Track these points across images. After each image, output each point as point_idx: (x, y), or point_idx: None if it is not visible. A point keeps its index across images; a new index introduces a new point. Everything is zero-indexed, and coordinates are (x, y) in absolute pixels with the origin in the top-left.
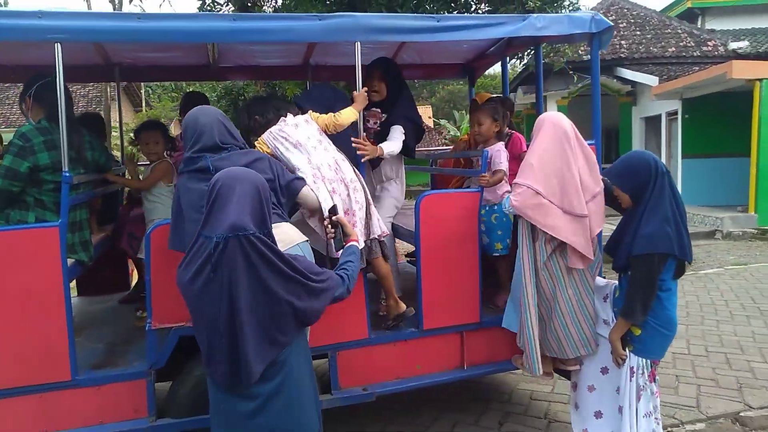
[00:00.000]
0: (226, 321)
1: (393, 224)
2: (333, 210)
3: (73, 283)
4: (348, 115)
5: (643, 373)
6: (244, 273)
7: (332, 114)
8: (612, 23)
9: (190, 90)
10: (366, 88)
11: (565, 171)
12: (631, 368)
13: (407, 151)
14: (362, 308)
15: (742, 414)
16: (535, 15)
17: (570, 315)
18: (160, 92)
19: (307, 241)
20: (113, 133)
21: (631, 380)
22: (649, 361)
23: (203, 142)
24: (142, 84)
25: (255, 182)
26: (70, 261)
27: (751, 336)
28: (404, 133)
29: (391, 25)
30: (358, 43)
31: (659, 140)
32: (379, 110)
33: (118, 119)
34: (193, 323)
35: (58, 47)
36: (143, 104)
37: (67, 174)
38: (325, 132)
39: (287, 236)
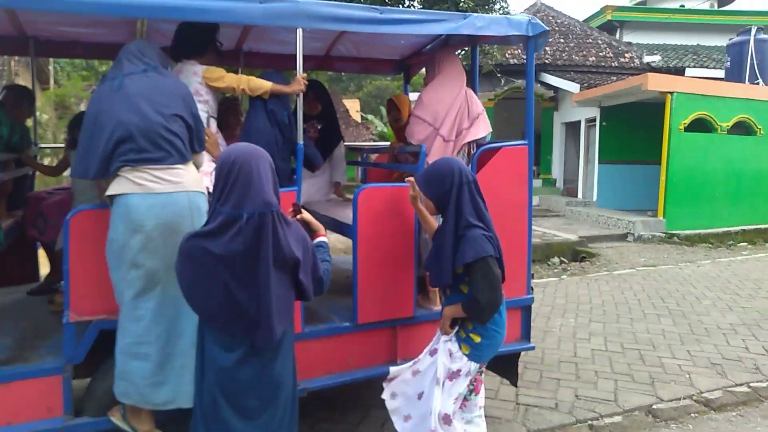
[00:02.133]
0: (253, 291)
1: (329, 217)
2: (296, 207)
3: None
4: (263, 83)
5: (468, 375)
6: (270, 246)
7: (249, 77)
8: (547, 28)
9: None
10: (305, 76)
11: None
12: (458, 371)
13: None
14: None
15: (654, 407)
16: (475, 15)
17: None
18: (70, 70)
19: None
20: None
21: (440, 385)
22: (476, 366)
23: None
24: (50, 60)
25: (267, 158)
26: None
27: (662, 333)
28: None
29: (334, 13)
30: (300, 30)
31: (578, 145)
32: (315, 121)
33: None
34: (200, 291)
35: None
36: (50, 82)
37: None
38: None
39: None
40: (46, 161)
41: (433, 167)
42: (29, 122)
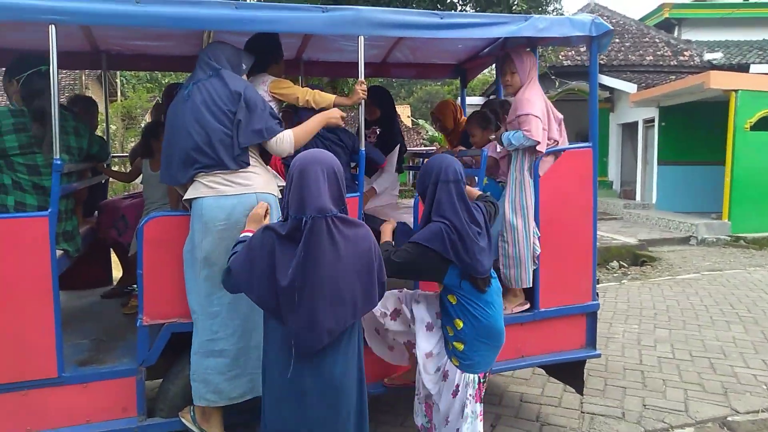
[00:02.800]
0: (304, 293)
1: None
2: None
3: None
4: (327, 96)
5: (467, 386)
6: (327, 250)
7: (315, 90)
8: (611, 27)
9: (169, 81)
10: (364, 85)
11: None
12: (457, 385)
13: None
14: None
15: (729, 419)
16: (537, 16)
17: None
18: (135, 82)
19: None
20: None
21: (455, 398)
22: (476, 378)
23: None
24: (117, 73)
25: (330, 164)
26: (58, 252)
27: (732, 341)
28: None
29: (394, 20)
30: (362, 38)
31: (635, 146)
32: (376, 127)
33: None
34: (262, 280)
35: (52, 29)
36: (118, 94)
37: (59, 161)
38: (304, 106)
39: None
40: (115, 169)
41: (426, 163)
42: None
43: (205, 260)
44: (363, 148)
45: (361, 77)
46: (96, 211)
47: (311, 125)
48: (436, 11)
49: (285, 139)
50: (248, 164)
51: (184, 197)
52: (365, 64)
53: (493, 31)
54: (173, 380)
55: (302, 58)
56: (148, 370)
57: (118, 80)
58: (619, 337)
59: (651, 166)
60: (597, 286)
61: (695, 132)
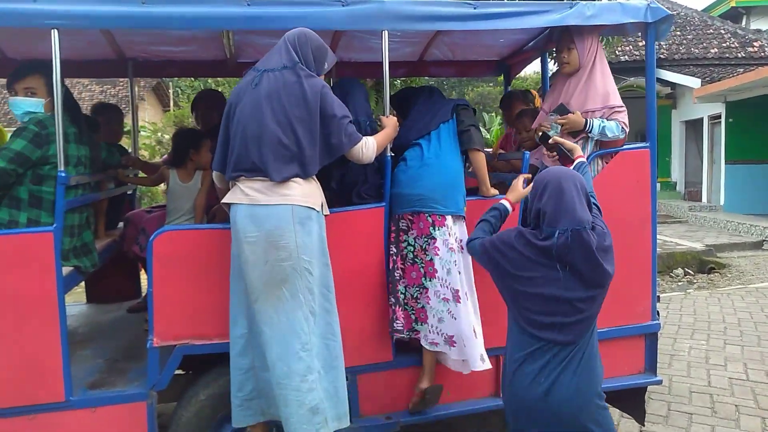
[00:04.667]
0: (566, 297)
1: None
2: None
3: (82, 290)
4: (385, 138)
5: None
6: (583, 261)
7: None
8: (670, 12)
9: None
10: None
11: None
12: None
13: None
14: (385, 326)
15: None
16: (583, 2)
17: None
18: (190, 92)
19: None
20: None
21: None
22: None
23: None
24: (171, 84)
25: (575, 179)
26: (68, 268)
27: None
28: None
29: (421, 12)
30: (386, 32)
31: (701, 145)
32: None
33: (137, 118)
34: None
35: (54, 34)
36: (171, 103)
37: (63, 173)
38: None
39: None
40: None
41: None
42: (128, 141)
43: (239, 273)
44: (389, 154)
45: (386, 76)
46: (122, 223)
47: (385, 137)
48: (469, 1)
49: (370, 146)
50: (292, 177)
51: (223, 201)
52: (401, 63)
53: (534, 20)
54: (186, 405)
55: None
56: (161, 393)
57: (171, 90)
58: (685, 355)
59: (718, 166)
60: (660, 296)
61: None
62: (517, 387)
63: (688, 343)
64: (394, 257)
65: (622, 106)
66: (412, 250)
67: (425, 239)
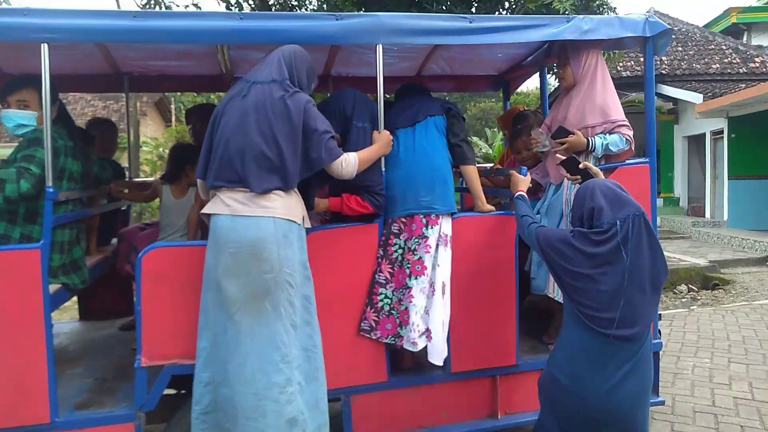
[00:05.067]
0: (628, 284)
1: None
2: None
3: (75, 307)
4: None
5: None
6: (648, 247)
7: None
8: (669, 26)
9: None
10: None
11: None
12: None
13: None
14: (380, 346)
15: None
16: (581, 16)
17: None
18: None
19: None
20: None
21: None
22: None
23: None
24: (173, 99)
25: (616, 182)
26: (55, 286)
27: None
28: None
29: (416, 25)
30: (380, 46)
31: (703, 160)
32: None
33: (138, 133)
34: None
35: (44, 48)
36: (173, 119)
37: (51, 189)
38: None
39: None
40: None
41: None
42: (125, 158)
43: (216, 284)
44: (383, 169)
45: (380, 90)
46: (115, 239)
47: (373, 153)
48: (465, 15)
49: (351, 162)
50: (273, 189)
51: (202, 211)
52: (398, 78)
53: (531, 34)
54: (175, 427)
55: (331, 74)
56: (150, 414)
57: (172, 105)
58: (688, 373)
59: (721, 181)
60: (662, 313)
61: None
62: (578, 388)
63: (692, 361)
64: (380, 260)
65: (624, 120)
66: (401, 252)
67: (416, 240)
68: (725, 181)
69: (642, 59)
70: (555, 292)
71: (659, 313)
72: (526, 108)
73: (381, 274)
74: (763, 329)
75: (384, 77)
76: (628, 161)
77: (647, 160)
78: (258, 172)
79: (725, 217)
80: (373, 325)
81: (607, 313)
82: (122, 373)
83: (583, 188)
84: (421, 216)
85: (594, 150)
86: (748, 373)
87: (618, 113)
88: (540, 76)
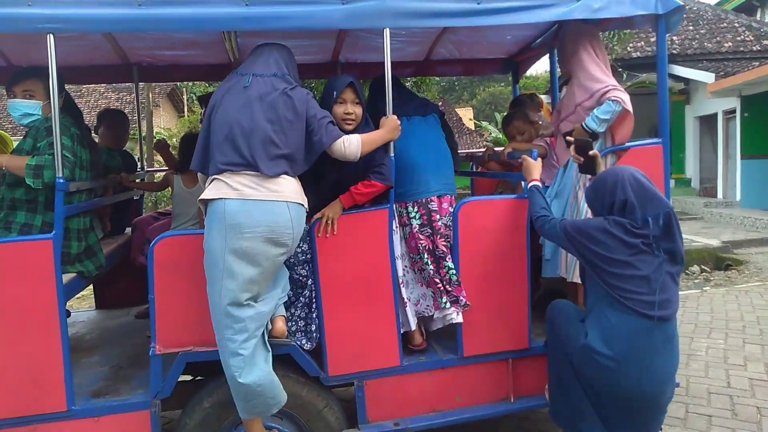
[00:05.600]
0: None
1: None
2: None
3: (91, 295)
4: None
5: None
6: (679, 239)
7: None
8: (682, 3)
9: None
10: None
11: None
12: None
13: None
14: (392, 330)
15: None
16: None
17: None
18: None
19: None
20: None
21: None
22: None
23: None
24: (185, 90)
25: (640, 171)
26: (69, 275)
27: None
28: None
29: (423, 8)
30: (387, 30)
31: (715, 140)
32: None
33: (151, 123)
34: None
35: (50, 39)
36: (185, 110)
37: (61, 179)
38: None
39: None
40: None
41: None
42: (136, 147)
43: (228, 270)
44: (392, 153)
45: (388, 75)
46: (129, 228)
47: (378, 137)
48: None
49: (353, 142)
50: (281, 173)
51: (201, 197)
52: (407, 63)
53: (540, 14)
54: (190, 413)
55: (339, 60)
56: (166, 401)
57: (185, 96)
58: (702, 354)
59: (734, 161)
60: None
61: None
62: (619, 370)
63: (706, 342)
64: (431, 237)
65: (608, 85)
66: (444, 228)
67: (448, 217)
68: (738, 161)
69: (652, 39)
70: (569, 273)
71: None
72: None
73: (438, 248)
74: None
75: (392, 62)
76: (640, 141)
77: (660, 140)
78: (266, 155)
79: (738, 197)
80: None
81: (648, 296)
82: (138, 361)
83: (613, 177)
84: (449, 196)
85: (590, 129)
86: (764, 353)
87: (601, 82)
88: (550, 58)
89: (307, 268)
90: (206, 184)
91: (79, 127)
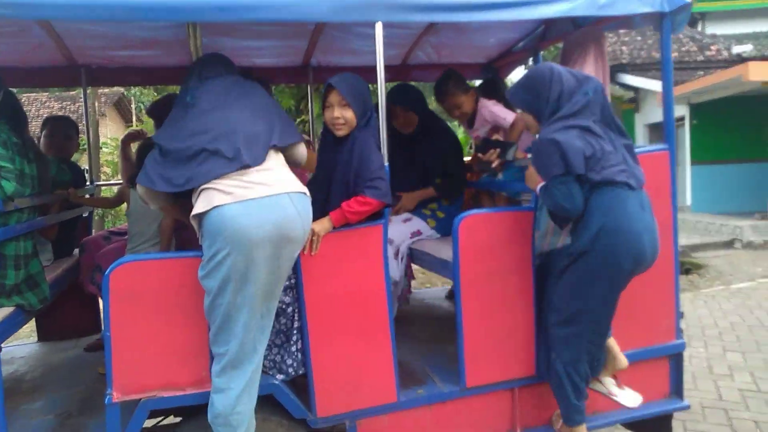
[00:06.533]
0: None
1: (425, 252)
2: None
3: (33, 326)
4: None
5: None
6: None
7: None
8: (688, 0)
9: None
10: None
11: None
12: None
13: None
14: (388, 362)
15: None
16: None
17: None
18: None
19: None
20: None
21: None
22: None
23: None
24: (133, 98)
25: None
26: (8, 310)
27: None
28: None
29: (418, 1)
30: (380, 24)
31: None
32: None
33: (93, 134)
34: None
35: None
36: (133, 119)
37: None
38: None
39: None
40: None
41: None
42: (84, 159)
43: (241, 280)
44: (386, 163)
45: (380, 73)
46: (78, 249)
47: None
48: None
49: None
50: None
51: (193, 213)
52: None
53: (541, 10)
54: None
55: (311, 63)
56: None
57: (133, 105)
58: (686, 365)
59: (683, 167)
60: None
61: (731, 128)
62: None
63: (687, 351)
64: None
65: None
66: None
67: None
68: (688, 167)
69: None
70: None
71: (681, 311)
72: None
73: None
74: (747, 314)
75: (366, 67)
76: (646, 148)
77: (666, 146)
78: (250, 148)
79: (689, 202)
80: None
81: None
82: (90, 405)
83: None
84: None
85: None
86: (746, 362)
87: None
88: (534, 62)
89: (290, 295)
90: (194, 199)
91: (20, 136)
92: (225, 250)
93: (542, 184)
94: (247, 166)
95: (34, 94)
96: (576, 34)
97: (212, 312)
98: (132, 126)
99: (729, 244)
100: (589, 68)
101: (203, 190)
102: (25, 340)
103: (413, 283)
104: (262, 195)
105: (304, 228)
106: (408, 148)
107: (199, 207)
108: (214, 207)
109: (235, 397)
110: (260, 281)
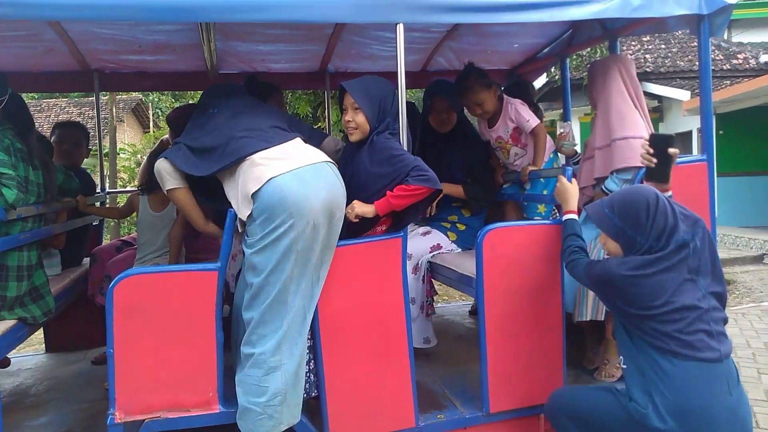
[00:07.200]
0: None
1: (449, 268)
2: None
3: (40, 337)
4: None
5: None
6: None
7: None
8: (729, 2)
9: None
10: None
11: None
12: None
13: None
14: (407, 384)
15: None
16: None
17: None
18: None
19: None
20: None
21: None
22: None
23: None
24: (151, 105)
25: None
26: (9, 323)
27: None
28: None
29: (442, 2)
30: (401, 26)
31: None
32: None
33: (111, 140)
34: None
35: None
36: (150, 125)
37: None
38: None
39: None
40: None
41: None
42: (97, 167)
43: (303, 254)
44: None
45: (401, 75)
46: (88, 258)
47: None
48: None
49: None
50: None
51: (251, 190)
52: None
53: (570, 12)
54: None
55: (328, 69)
56: None
57: (150, 111)
58: None
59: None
60: None
61: (758, 139)
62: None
63: None
64: None
65: (625, 136)
66: None
67: None
68: (714, 179)
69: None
70: (582, 312)
71: None
72: None
73: None
74: None
75: (386, 73)
76: (683, 159)
77: (705, 157)
78: (278, 134)
79: (715, 215)
80: None
81: (694, 336)
82: (95, 423)
83: (643, 197)
84: None
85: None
86: None
87: (621, 130)
88: (561, 68)
89: None
90: (228, 185)
91: (25, 141)
92: (288, 221)
93: (568, 216)
94: (279, 143)
95: (54, 99)
96: (599, 62)
97: (263, 289)
98: (149, 132)
99: (758, 259)
100: (617, 97)
101: (243, 170)
102: (36, 348)
103: None
104: (306, 163)
105: (344, 196)
106: (438, 148)
107: (252, 185)
108: (270, 180)
109: (293, 371)
110: (318, 249)
